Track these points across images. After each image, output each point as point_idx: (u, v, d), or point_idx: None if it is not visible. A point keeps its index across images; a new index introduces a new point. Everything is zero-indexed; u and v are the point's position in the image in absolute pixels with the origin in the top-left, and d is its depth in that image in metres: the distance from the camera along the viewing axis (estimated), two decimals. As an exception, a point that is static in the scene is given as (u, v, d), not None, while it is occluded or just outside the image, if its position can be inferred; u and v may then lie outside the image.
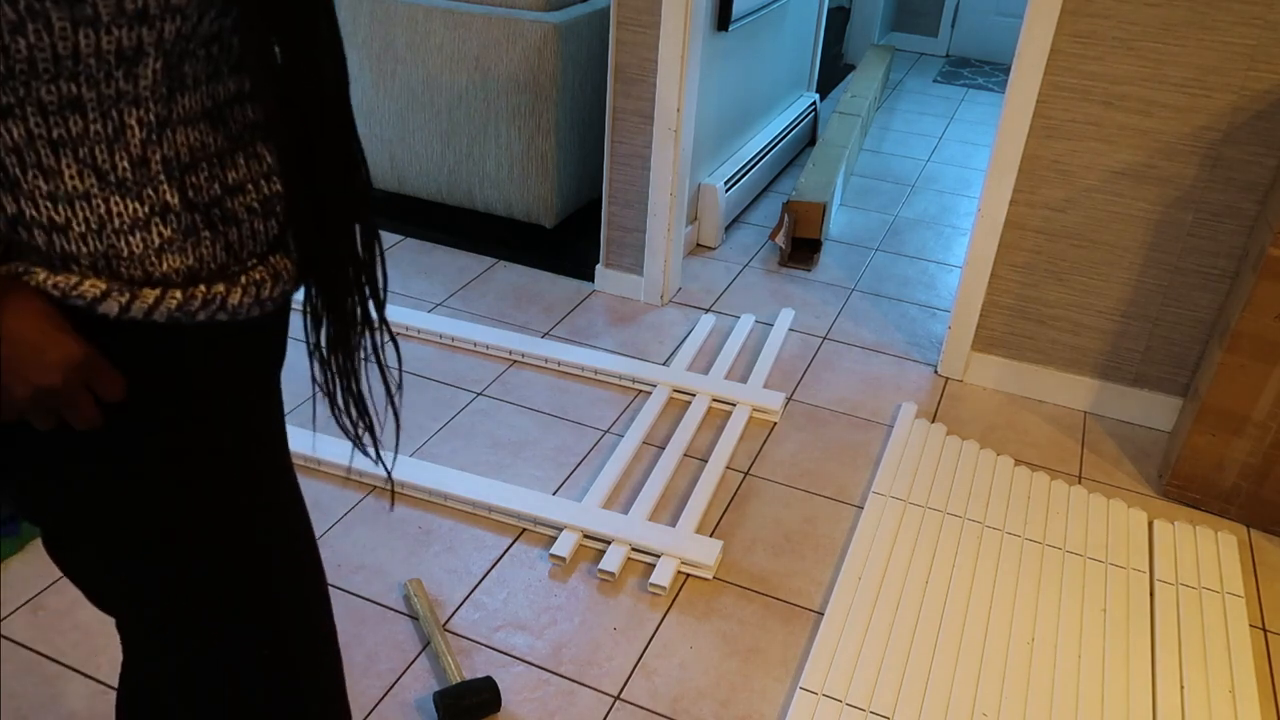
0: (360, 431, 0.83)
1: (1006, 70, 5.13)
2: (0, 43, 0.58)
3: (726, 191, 3.07)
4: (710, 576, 1.82)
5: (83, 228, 0.65)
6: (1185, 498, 2.09)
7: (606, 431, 2.21)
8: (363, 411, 0.82)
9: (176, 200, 0.68)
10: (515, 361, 2.43)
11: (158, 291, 0.67)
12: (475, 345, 2.47)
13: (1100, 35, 2.03)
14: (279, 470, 0.84)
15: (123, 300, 0.66)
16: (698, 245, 3.10)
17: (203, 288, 0.70)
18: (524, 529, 1.91)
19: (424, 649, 1.64)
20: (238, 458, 0.80)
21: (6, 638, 1.62)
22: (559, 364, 2.41)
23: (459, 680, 1.55)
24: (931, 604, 1.77)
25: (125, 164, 0.65)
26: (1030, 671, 1.65)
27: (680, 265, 2.82)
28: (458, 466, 2.06)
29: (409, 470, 2.00)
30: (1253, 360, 1.90)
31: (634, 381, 2.38)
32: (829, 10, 4.00)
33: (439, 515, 1.93)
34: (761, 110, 3.49)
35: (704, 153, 2.97)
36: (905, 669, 1.64)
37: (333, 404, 0.81)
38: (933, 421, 2.32)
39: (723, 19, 2.76)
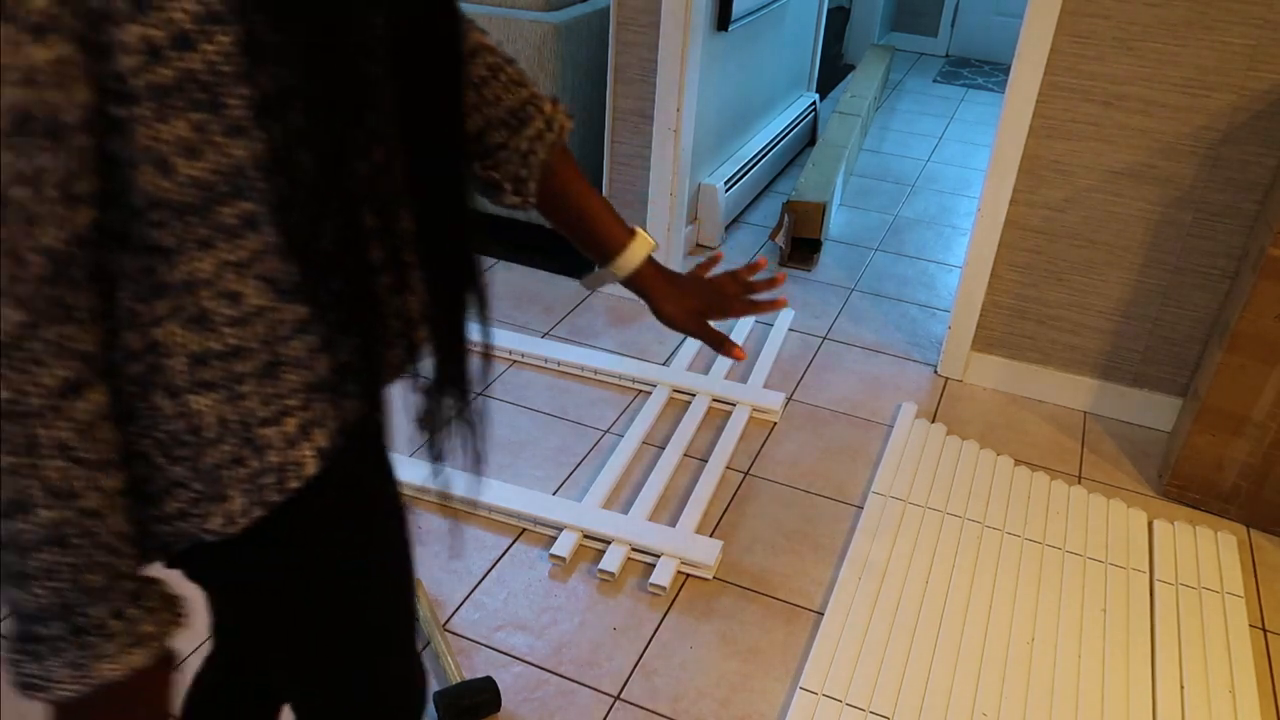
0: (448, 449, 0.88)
1: (1006, 70, 5.13)
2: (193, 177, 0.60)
3: (726, 191, 3.07)
4: (710, 576, 1.82)
5: (256, 344, 0.67)
6: (1185, 498, 2.09)
7: (606, 431, 2.21)
8: (472, 434, 0.89)
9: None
10: (515, 361, 2.43)
11: (313, 455, 0.73)
12: (475, 345, 2.47)
13: (1100, 35, 2.03)
14: (399, 540, 0.92)
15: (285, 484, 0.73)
16: (698, 245, 3.10)
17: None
18: (524, 529, 1.91)
19: (424, 649, 1.64)
20: (363, 552, 0.87)
21: (6, 637, 1.62)
22: (559, 364, 2.41)
23: (459, 680, 1.55)
24: (931, 604, 1.77)
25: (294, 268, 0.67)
26: (1030, 671, 1.65)
27: (681, 265, 2.81)
28: (458, 466, 2.06)
29: (409, 470, 1.99)
30: (1253, 360, 1.90)
31: (634, 381, 2.38)
32: (829, 10, 4.00)
33: (439, 515, 1.93)
34: (761, 110, 3.49)
35: (704, 153, 2.97)
36: (905, 669, 1.64)
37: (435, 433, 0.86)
38: (933, 421, 2.32)
39: (723, 19, 2.76)
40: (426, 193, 0.74)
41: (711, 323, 1.01)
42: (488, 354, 0.86)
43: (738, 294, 1.04)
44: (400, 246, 0.73)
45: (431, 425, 0.84)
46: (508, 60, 0.90)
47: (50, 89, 0.54)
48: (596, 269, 1.01)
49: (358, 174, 0.67)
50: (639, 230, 1.01)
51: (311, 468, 0.73)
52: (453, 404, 0.84)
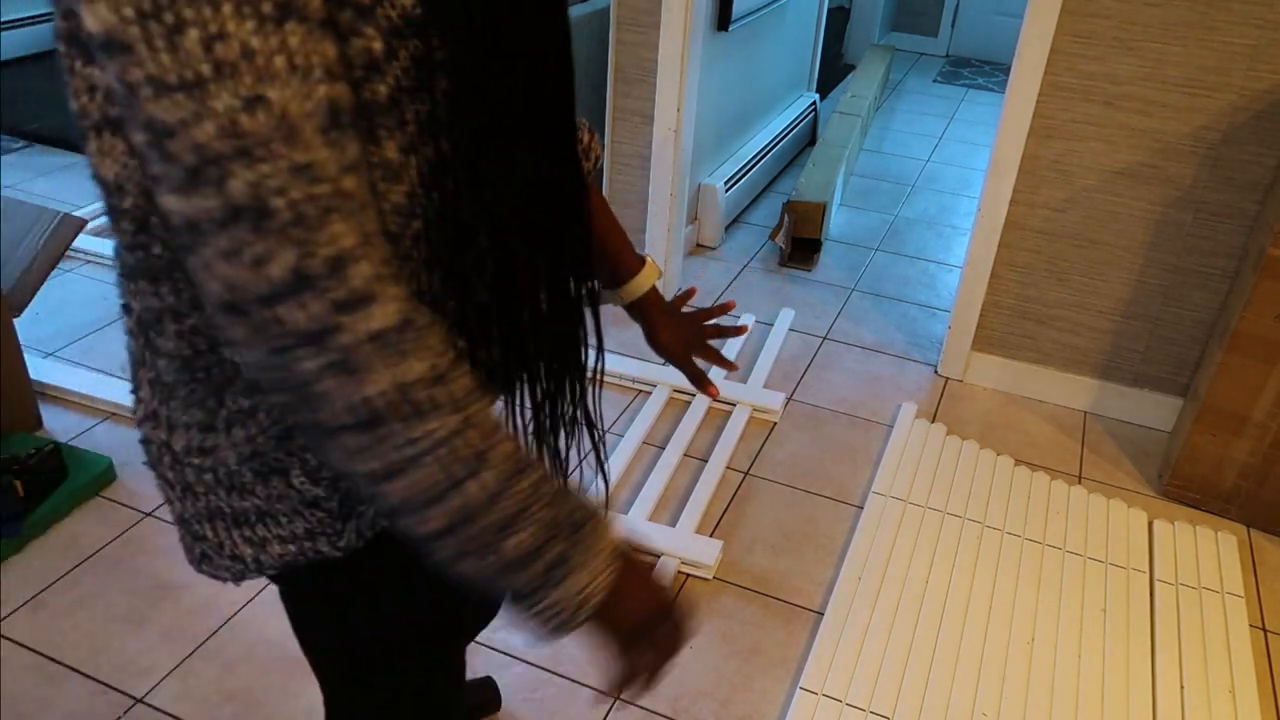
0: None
1: (1006, 70, 5.13)
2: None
3: (726, 191, 3.07)
4: (710, 576, 1.82)
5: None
6: (1185, 498, 2.09)
7: (606, 431, 2.21)
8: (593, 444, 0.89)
9: (454, 304, 0.69)
10: (515, 361, 2.43)
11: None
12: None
13: (1100, 35, 2.03)
14: None
15: None
16: (698, 245, 3.10)
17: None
18: (524, 529, 1.91)
19: (424, 649, 1.64)
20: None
21: (6, 638, 1.62)
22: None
23: (459, 680, 1.55)
24: (931, 604, 1.77)
25: (438, 277, 0.65)
26: (1030, 671, 1.65)
27: (680, 265, 2.81)
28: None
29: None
30: (1253, 360, 1.90)
31: (634, 381, 2.38)
32: (829, 10, 4.00)
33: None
34: (761, 110, 3.49)
35: (704, 153, 2.97)
36: (905, 669, 1.64)
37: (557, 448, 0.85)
38: (933, 421, 2.32)
39: (723, 19, 2.76)
40: (552, 205, 0.72)
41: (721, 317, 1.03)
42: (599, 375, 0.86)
43: (710, 334, 1.07)
44: (525, 257, 0.71)
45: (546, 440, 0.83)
46: None
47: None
48: (602, 291, 1.00)
49: (502, 186, 0.65)
50: (648, 258, 1.01)
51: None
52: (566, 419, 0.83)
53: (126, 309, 0.67)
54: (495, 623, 1.69)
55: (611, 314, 2.72)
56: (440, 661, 0.94)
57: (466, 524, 0.58)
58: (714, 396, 0.96)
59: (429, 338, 0.55)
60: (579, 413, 0.83)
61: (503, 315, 0.70)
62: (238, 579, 0.76)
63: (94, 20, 0.47)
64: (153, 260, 0.59)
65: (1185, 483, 2.08)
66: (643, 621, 0.68)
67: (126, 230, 0.59)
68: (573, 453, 0.88)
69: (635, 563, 0.67)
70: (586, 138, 0.92)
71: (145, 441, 0.73)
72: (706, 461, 2.12)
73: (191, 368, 0.64)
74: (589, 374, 0.83)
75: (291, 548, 0.72)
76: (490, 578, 0.61)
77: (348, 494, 0.70)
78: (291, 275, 0.50)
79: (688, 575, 1.83)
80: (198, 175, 0.48)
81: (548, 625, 0.64)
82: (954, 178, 3.78)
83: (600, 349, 0.84)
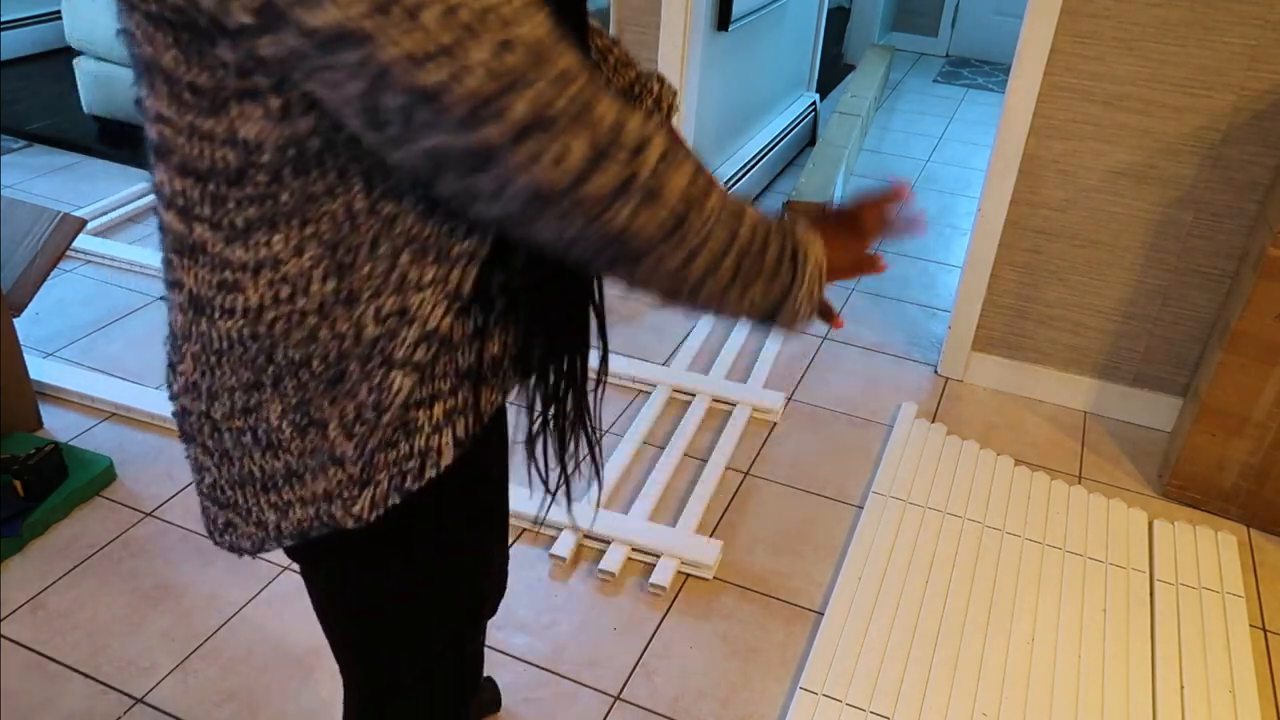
0: (562, 480, 0.97)
1: (1006, 70, 5.13)
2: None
3: (726, 191, 3.07)
4: (710, 576, 1.82)
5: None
6: (1185, 498, 2.09)
7: (606, 431, 2.21)
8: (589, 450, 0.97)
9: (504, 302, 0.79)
10: (515, 361, 2.43)
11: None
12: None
13: (1100, 35, 2.03)
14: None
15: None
16: (698, 245, 3.10)
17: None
18: (524, 529, 1.91)
19: (424, 649, 1.64)
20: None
21: (6, 638, 1.62)
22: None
23: (459, 680, 1.55)
24: (931, 604, 1.77)
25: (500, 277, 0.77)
26: (1030, 671, 1.65)
27: (680, 265, 2.81)
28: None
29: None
30: (1253, 360, 1.90)
31: (634, 381, 2.38)
32: (829, 10, 4.00)
33: (439, 515, 1.93)
34: (761, 110, 3.49)
35: (704, 153, 2.96)
36: (905, 669, 1.64)
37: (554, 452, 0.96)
38: (933, 421, 2.32)
39: (723, 19, 2.76)
40: None
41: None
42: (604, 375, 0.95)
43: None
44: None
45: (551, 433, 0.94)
46: (615, 41, 0.94)
47: None
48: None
49: None
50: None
51: (448, 457, 0.77)
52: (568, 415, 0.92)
53: (176, 285, 0.72)
54: (494, 623, 1.69)
55: (612, 315, 2.71)
56: (459, 640, 0.97)
57: (745, 259, 0.71)
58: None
59: (677, 136, 0.67)
60: (583, 405, 0.92)
61: (547, 307, 0.81)
62: (256, 549, 0.79)
63: (320, 19, 0.54)
64: (278, 208, 0.66)
65: (1185, 483, 2.08)
66: (852, 261, 0.88)
67: (260, 183, 0.65)
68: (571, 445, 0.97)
69: (819, 219, 0.86)
70: (656, 86, 0.95)
71: (183, 413, 0.77)
72: (706, 461, 2.12)
73: (257, 324, 0.70)
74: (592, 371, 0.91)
75: (310, 510, 0.76)
76: (760, 296, 0.74)
77: (370, 460, 0.74)
78: (588, 155, 0.60)
79: (688, 575, 1.83)
80: (476, 115, 0.57)
81: (808, 307, 0.79)
82: (954, 178, 3.78)
83: (605, 348, 0.89)
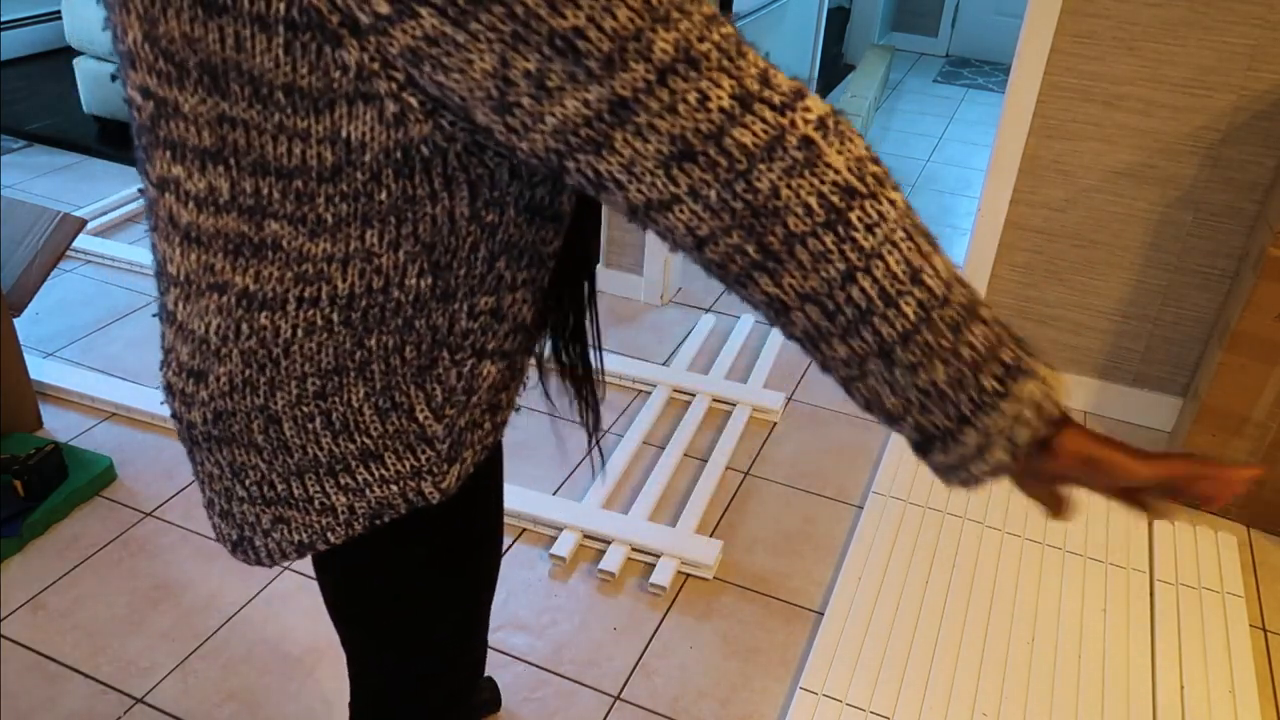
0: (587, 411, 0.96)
1: (1006, 70, 5.13)
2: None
3: (726, 191, 3.07)
4: (710, 576, 1.82)
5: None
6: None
7: (607, 431, 2.21)
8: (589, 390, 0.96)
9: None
10: (515, 361, 2.43)
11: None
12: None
13: (1100, 35, 2.03)
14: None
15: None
16: (698, 245, 3.10)
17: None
18: (524, 529, 1.91)
19: (424, 649, 1.64)
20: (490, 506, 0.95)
21: (6, 638, 1.62)
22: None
23: (459, 680, 1.55)
24: (931, 604, 1.77)
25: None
26: (1030, 672, 1.65)
27: (680, 265, 2.82)
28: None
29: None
30: (1253, 360, 1.90)
31: (634, 381, 2.38)
32: (829, 10, 4.00)
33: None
34: (761, 110, 3.49)
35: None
36: (905, 669, 1.64)
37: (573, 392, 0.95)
38: (933, 421, 2.31)
39: (723, 19, 2.76)
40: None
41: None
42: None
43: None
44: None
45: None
46: None
47: None
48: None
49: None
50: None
51: (501, 434, 0.82)
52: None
53: (217, 289, 0.71)
54: (494, 622, 1.69)
55: (609, 312, 2.72)
56: (475, 625, 0.99)
57: (937, 308, 0.57)
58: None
59: (848, 122, 0.58)
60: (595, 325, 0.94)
61: (569, 289, 0.85)
62: (313, 543, 0.79)
63: None
64: (373, 206, 0.66)
65: (1185, 483, 2.08)
66: (1082, 465, 0.61)
67: (357, 180, 0.65)
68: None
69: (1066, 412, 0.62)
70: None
71: (227, 414, 0.75)
72: (706, 461, 2.12)
73: (349, 310, 0.70)
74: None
75: (393, 488, 0.77)
76: (945, 384, 0.58)
77: (459, 439, 0.77)
78: (734, 100, 0.54)
79: (688, 575, 1.83)
80: (618, 56, 0.53)
81: (1000, 451, 0.60)
82: (954, 178, 3.79)
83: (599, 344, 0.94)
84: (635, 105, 0.55)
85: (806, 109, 0.56)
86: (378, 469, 0.76)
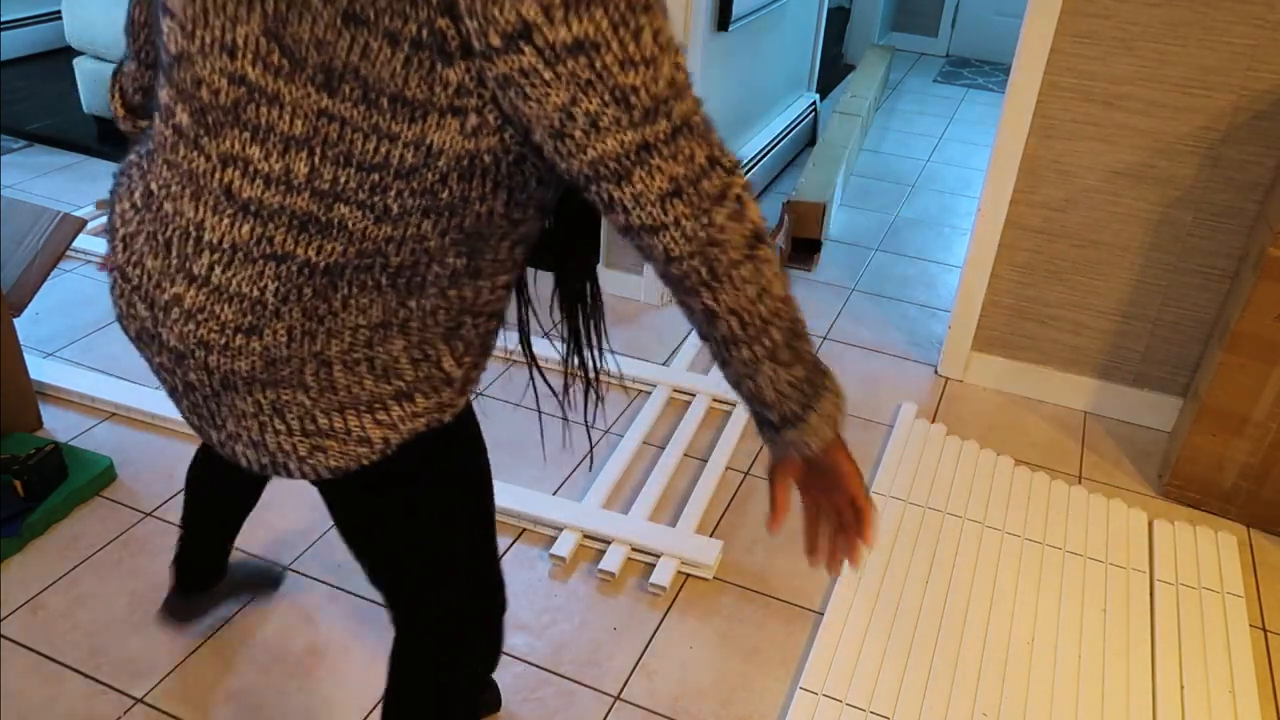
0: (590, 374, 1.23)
1: (1006, 70, 5.13)
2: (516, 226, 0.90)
3: (726, 191, 3.07)
4: (710, 576, 1.82)
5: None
6: (1185, 498, 2.09)
7: (606, 431, 2.21)
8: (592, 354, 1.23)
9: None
10: (515, 361, 2.43)
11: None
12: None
13: (1100, 35, 2.03)
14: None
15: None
16: (698, 245, 3.10)
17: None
18: (524, 529, 1.91)
19: (424, 649, 1.64)
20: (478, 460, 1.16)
21: (6, 638, 1.62)
22: (559, 364, 2.41)
23: (459, 680, 1.55)
24: (931, 604, 1.77)
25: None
26: (1030, 671, 1.65)
27: (680, 265, 2.81)
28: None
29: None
30: (1253, 360, 1.90)
31: (634, 381, 2.38)
32: (829, 10, 4.00)
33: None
34: (761, 110, 3.49)
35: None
36: (905, 669, 1.64)
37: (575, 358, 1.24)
38: (933, 421, 2.32)
39: (723, 19, 2.76)
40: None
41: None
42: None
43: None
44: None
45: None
46: None
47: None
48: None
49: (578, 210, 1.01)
50: None
51: (479, 378, 1.00)
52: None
53: (281, 258, 0.83)
54: (495, 623, 1.70)
55: (609, 312, 2.72)
56: (486, 543, 1.17)
57: (797, 324, 0.84)
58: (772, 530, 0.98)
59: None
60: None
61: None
62: (349, 465, 0.92)
63: (567, 32, 0.70)
64: (436, 202, 0.81)
65: (1185, 483, 2.08)
66: (844, 475, 0.92)
67: (428, 180, 0.80)
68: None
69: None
70: None
71: (282, 361, 0.87)
72: (706, 461, 2.12)
73: (396, 279, 0.86)
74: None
75: (421, 421, 0.93)
76: (795, 383, 0.84)
77: (468, 377, 0.96)
78: (708, 159, 0.77)
79: (688, 575, 1.83)
80: (653, 112, 0.74)
81: (826, 430, 0.87)
82: (954, 178, 3.79)
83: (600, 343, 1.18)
84: (654, 151, 0.75)
85: (740, 175, 0.80)
86: (409, 406, 0.92)
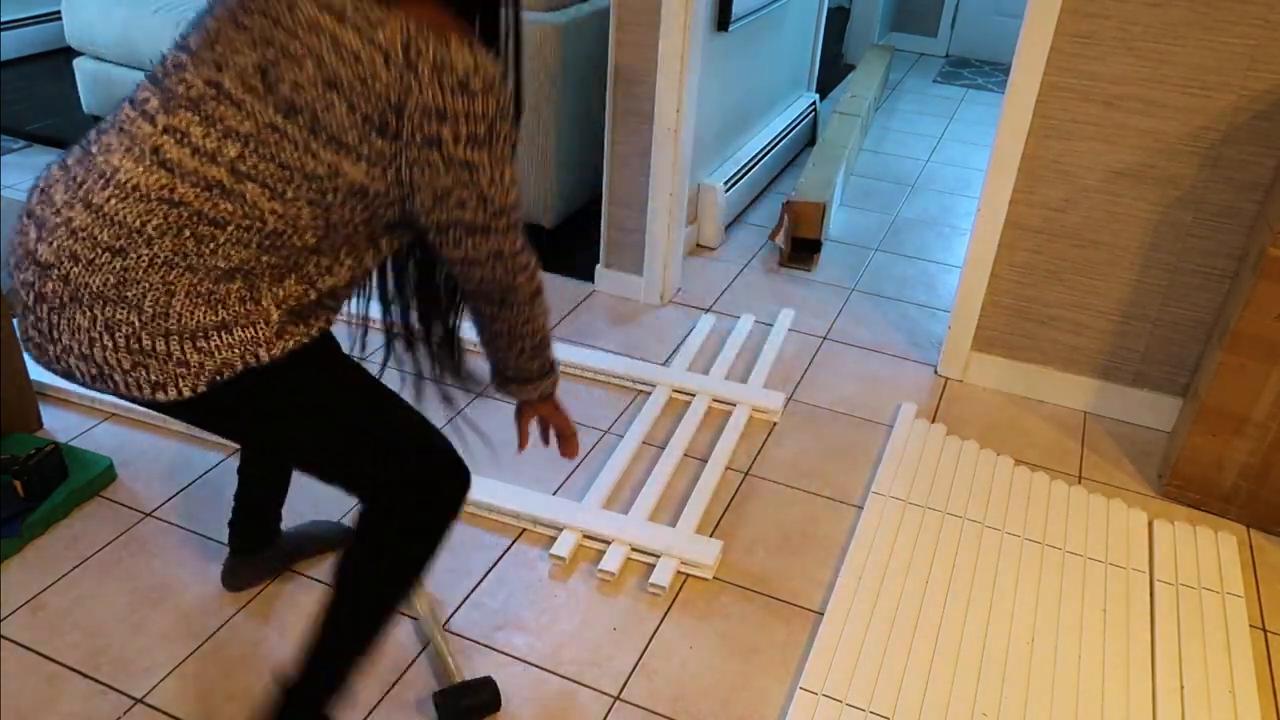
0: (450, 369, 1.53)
1: (1006, 70, 5.13)
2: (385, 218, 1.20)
3: (726, 191, 3.07)
4: (710, 576, 1.82)
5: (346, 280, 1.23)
6: (1185, 498, 2.09)
7: (606, 431, 2.21)
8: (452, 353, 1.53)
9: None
10: (515, 361, 2.43)
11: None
12: (475, 346, 2.47)
13: (1100, 35, 2.03)
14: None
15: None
16: (698, 245, 3.10)
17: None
18: (524, 529, 1.91)
19: (424, 649, 1.64)
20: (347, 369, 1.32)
21: (6, 638, 1.62)
22: (559, 364, 2.41)
23: (459, 680, 1.55)
24: (931, 604, 1.77)
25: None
26: (1030, 671, 1.65)
27: (680, 265, 2.82)
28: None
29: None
30: (1253, 360, 1.90)
31: (634, 381, 2.38)
32: (829, 10, 4.00)
33: (439, 515, 1.93)
34: (761, 110, 3.49)
35: (704, 153, 2.97)
36: (905, 669, 1.64)
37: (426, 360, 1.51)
38: (933, 421, 2.32)
39: (723, 19, 2.76)
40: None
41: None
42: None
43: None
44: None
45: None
46: None
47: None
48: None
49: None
50: None
51: (315, 332, 1.19)
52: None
53: (175, 203, 1.06)
54: (495, 622, 1.70)
55: (609, 312, 2.73)
56: (384, 402, 1.28)
57: (542, 339, 1.34)
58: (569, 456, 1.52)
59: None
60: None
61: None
62: (167, 387, 1.10)
63: (464, 155, 1.10)
64: (323, 203, 1.10)
65: (1185, 483, 2.08)
66: (554, 416, 1.48)
67: (324, 185, 1.09)
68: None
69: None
70: None
71: (133, 282, 1.07)
72: (706, 461, 2.12)
73: (264, 238, 1.10)
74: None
75: (235, 352, 1.10)
76: (541, 363, 1.37)
77: (285, 324, 1.14)
78: (520, 244, 1.22)
79: (688, 575, 1.83)
80: (499, 212, 1.16)
81: (541, 390, 1.41)
82: (954, 178, 3.79)
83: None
84: (491, 231, 1.18)
85: (534, 256, 1.25)
86: (226, 337, 1.09)
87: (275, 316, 1.12)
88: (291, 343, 1.14)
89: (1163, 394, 2.31)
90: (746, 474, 2.11)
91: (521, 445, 1.48)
